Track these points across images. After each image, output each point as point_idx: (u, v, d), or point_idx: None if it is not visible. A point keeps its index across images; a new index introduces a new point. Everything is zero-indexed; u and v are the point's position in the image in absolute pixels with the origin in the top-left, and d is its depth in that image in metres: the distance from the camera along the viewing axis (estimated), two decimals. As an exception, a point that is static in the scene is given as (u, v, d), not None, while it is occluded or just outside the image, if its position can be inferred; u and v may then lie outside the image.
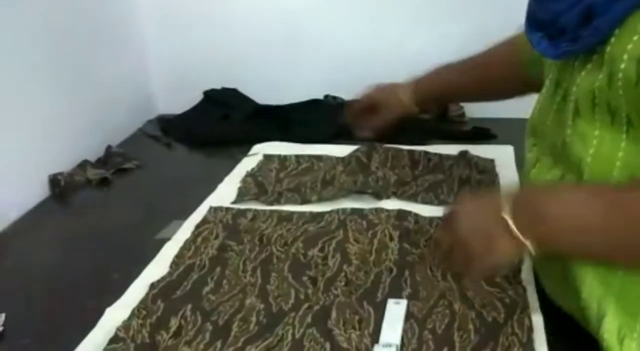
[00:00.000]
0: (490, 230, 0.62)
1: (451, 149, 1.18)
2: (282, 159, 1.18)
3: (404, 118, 1.13)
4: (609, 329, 0.61)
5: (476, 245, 0.63)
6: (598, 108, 0.61)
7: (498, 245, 0.62)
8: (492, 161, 1.12)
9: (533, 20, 0.70)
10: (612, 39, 0.58)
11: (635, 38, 0.56)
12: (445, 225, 0.69)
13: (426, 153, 1.15)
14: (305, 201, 1.01)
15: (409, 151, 1.16)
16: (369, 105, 1.15)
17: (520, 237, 0.60)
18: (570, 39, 0.62)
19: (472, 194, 0.69)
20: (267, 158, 1.19)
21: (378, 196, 1.00)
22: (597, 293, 0.63)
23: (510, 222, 0.61)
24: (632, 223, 0.56)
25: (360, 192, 1.01)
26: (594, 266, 0.63)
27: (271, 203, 1.01)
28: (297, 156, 1.19)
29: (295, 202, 1.01)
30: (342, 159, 1.15)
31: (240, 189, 1.06)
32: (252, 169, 1.14)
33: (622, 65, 0.57)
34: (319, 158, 1.18)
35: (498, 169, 1.09)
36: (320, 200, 1.00)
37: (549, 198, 0.61)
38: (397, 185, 1.04)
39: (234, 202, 1.02)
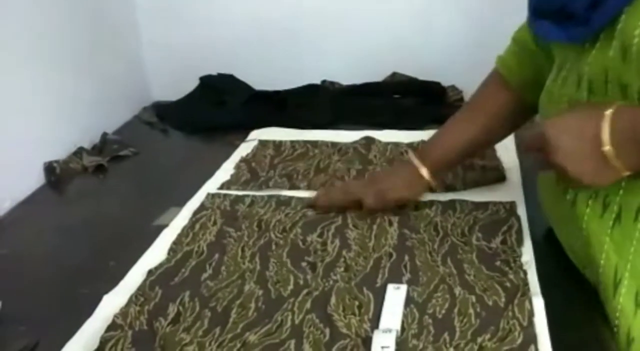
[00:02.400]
0: (590, 162, 0.62)
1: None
2: (277, 145, 1.17)
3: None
4: (625, 293, 0.65)
5: (574, 171, 0.63)
6: (610, 85, 0.62)
7: (597, 176, 0.62)
8: (492, 147, 1.11)
9: (537, 12, 0.72)
10: (623, 16, 0.60)
11: None
12: (538, 142, 0.65)
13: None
14: (293, 187, 1.00)
15: (408, 143, 1.15)
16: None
17: (622, 170, 0.61)
18: (580, 22, 0.64)
19: (564, 116, 0.65)
20: (263, 143, 1.18)
21: None
22: (613, 261, 0.66)
23: (613, 159, 0.60)
24: None
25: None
26: (611, 235, 0.66)
27: (260, 187, 1.00)
28: (292, 141, 1.18)
29: (283, 187, 1.00)
30: (339, 149, 1.14)
31: (232, 176, 1.05)
32: (247, 155, 1.13)
33: (636, 40, 0.59)
34: (314, 144, 1.17)
35: (499, 154, 1.08)
36: (310, 187, 0.99)
37: None
38: None
39: (221, 188, 1.01)
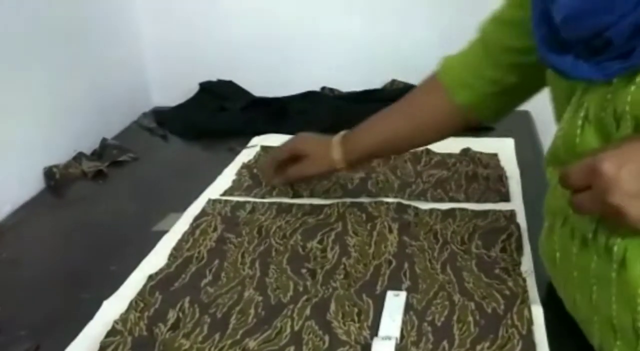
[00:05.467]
0: None
1: (451, 143, 1.17)
2: None
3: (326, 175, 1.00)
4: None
5: (635, 215, 0.52)
6: None
7: None
8: (495, 155, 1.12)
9: (554, 43, 0.60)
10: None
11: None
12: (590, 178, 0.54)
13: (427, 151, 1.13)
14: (296, 195, 1.00)
15: (412, 152, 1.13)
16: (292, 156, 0.95)
17: None
18: (618, 54, 0.54)
19: (619, 146, 0.53)
20: (264, 150, 1.18)
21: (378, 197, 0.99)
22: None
23: None
24: None
25: (357, 194, 0.99)
26: None
27: (263, 197, 1.00)
28: None
29: (286, 195, 1.00)
30: None
31: (234, 182, 1.06)
32: (249, 161, 1.14)
33: None
34: None
35: (502, 163, 1.08)
36: (313, 195, 0.99)
37: None
38: (400, 188, 1.01)
39: (223, 195, 1.01)
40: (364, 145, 0.90)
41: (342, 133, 0.92)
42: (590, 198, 0.54)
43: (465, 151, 1.13)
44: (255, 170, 1.10)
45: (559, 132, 0.64)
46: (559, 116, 0.67)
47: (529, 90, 0.82)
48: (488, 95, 0.82)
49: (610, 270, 0.58)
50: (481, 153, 1.12)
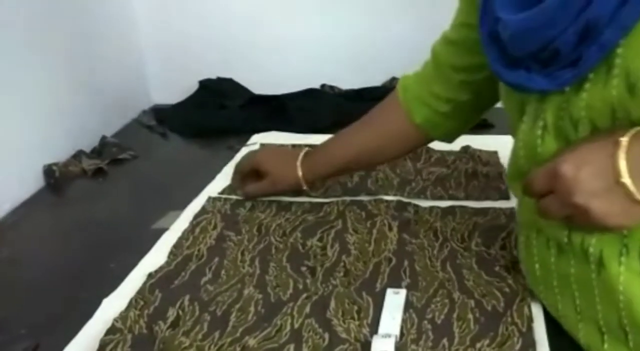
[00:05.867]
0: (616, 199, 0.52)
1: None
2: None
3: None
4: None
5: (598, 211, 0.54)
6: (619, 122, 0.55)
7: (626, 215, 0.54)
8: (495, 153, 1.11)
9: (506, 59, 0.62)
10: (619, 50, 0.52)
11: None
12: (552, 183, 0.56)
13: (427, 149, 1.13)
14: (296, 193, 0.98)
15: None
16: (256, 170, 0.98)
17: None
18: (568, 63, 0.55)
19: (575, 149, 0.55)
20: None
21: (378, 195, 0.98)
22: None
23: (632, 189, 0.52)
24: None
25: (356, 192, 0.99)
26: None
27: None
28: (292, 146, 1.18)
29: (286, 194, 0.99)
30: None
31: (230, 184, 1.04)
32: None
33: None
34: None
35: (502, 161, 1.08)
36: (311, 195, 0.99)
37: None
38: (400, 186, 1.01)
39: (222, 193, 1.01)
40: (325, 164, 0.92)
41: (304, 151, 0.94)
42: (555, 201, 0.56)
43: (465, 149, 1.13)
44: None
45: (518, 143, 0.65)
46: (514, 129, 0.68)
47: (483, 105, 0.85)
48: (443, 113, 0.84)
49: (589, 272, 0.60)
50: (481, 150, 1.12)
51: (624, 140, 0.52)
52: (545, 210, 0.57)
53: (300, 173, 0.93)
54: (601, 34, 0.52)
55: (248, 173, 0.99)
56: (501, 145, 1.14)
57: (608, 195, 0.53)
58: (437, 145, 1.12)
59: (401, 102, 0.87)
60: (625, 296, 0.57)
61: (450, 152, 1.12)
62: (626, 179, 0.52)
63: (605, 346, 0.61)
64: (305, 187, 0.94)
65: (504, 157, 1.10)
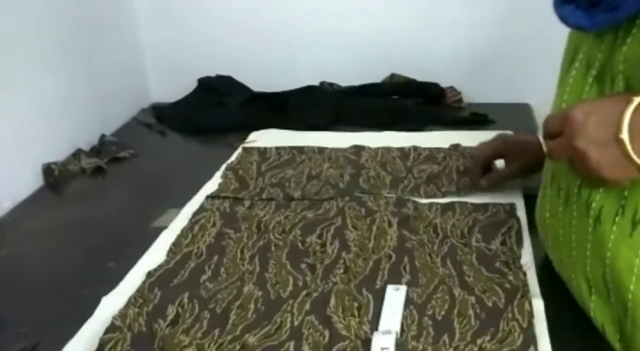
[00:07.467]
0: (611, 151, 0.56)
1: (447, 136, 1.17)
2: (262, 151, 1.15)
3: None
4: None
5: (594, 159, 0.57)
6: None
7: (615, 168, 0.56)
8: None
9: None
10: None
11: None
12: (562, 125, 0.59)
13: (415, 148, 1.13)
14: (287, 197, 0.98)
15: (399, 148, 1.14)
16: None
17: (638, 161, 0.55)
18: (608, 8, 0.57)
19: (589, 103, 0.59)
20: (246, 151, 1.16)
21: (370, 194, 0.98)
22: None
23: (628, 146, 0.54)
24: None
25: (349, 193, 0.98)
26: None
27: (252, 198, 0.98)
28: (277, 148, 1.16)
29: (277, 197, 0.98)
30: (329, 157, 1.12)
31: (220, 184, 1.03)
32: (232, 162, 1.12)
33: None
34: (300, 150, 1.15)
35: None
36: (304, 197, 0.98)
37: None
38: (393, 184, 1.01)
39: (211, 196, 0.99)
40: None
41: None
42: (560, 143, 0.60)
43: (455, 146, 1.12)
44: (240, 172, 1.07)
45: (564, 89, 0.67)
46: (561, 80, 0.70)
47: None
48: None
49: (587, 226, 0.63)
50: (472, 148, 1.11)
51: (637, 99, 0.54)
52: (550, 150, 0.61)
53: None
54: None
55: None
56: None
57: (606, 147, 0.56)
58: (424, 143, 1.14)
59: None
60: (612, 253, 0.60)
61: (439, 149, 1.12)
62: (624, 135, 0.54)
63: (593, 298, 0.65)
64: None
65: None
